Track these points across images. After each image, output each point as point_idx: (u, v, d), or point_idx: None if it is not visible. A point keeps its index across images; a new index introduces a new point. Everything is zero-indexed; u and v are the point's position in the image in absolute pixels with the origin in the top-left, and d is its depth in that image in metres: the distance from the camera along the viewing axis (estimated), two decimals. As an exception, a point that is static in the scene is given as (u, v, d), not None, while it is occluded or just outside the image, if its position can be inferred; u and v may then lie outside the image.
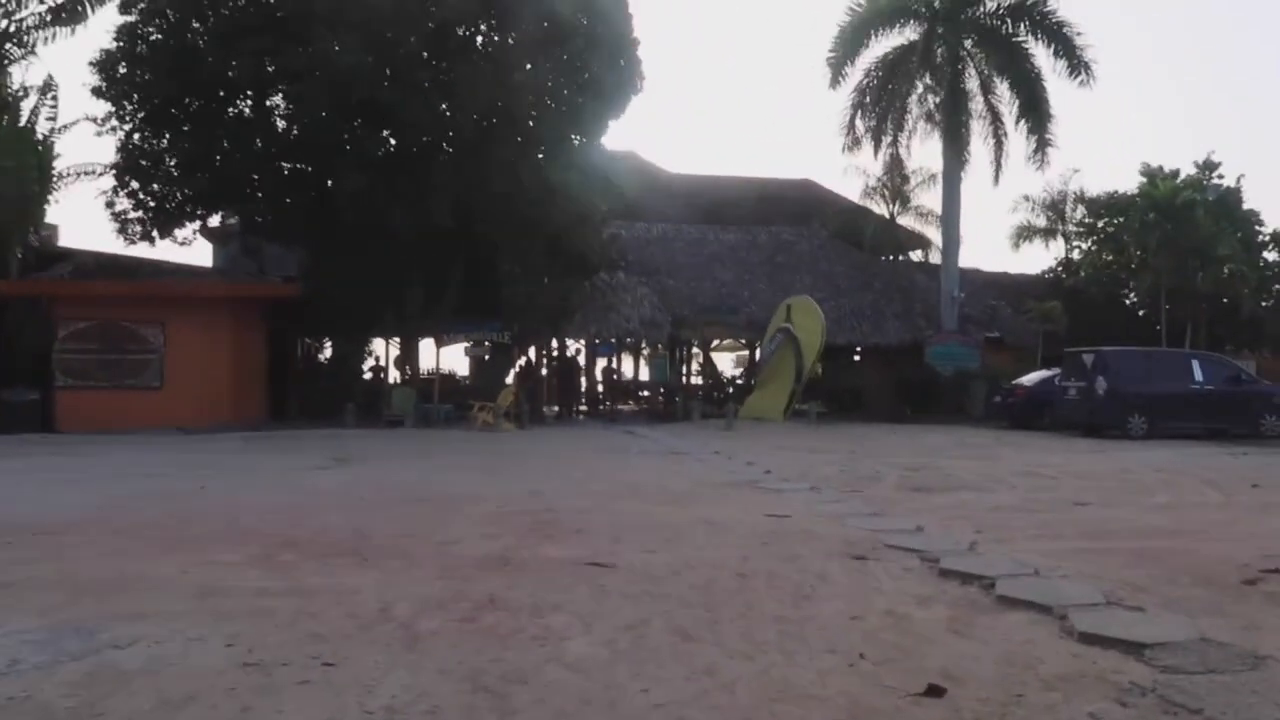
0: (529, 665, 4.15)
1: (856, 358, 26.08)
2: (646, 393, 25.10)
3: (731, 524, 7.65)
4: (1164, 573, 5.98)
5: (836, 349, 23.38)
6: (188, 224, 19.09)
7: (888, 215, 32.34)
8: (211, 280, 18.18)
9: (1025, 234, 29.71)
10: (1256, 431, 17.77)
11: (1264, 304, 24.79)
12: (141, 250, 18.76)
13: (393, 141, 18.97)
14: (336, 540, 6.93)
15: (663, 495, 9.33)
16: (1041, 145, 24.27)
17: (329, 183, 18.31)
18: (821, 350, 21.40)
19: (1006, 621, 4.90)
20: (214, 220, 19.44)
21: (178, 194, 18.17)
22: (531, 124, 19.55)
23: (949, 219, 25.14)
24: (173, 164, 18.20)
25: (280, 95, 18.49)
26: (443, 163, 18.71)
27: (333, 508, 8.46)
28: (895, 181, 31.55)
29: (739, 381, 24.95)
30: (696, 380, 26.20)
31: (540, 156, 19.78)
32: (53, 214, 18.82)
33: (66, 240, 21.33)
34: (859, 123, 25.86)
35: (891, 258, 31.34)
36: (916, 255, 33.50)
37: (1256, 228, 25.18)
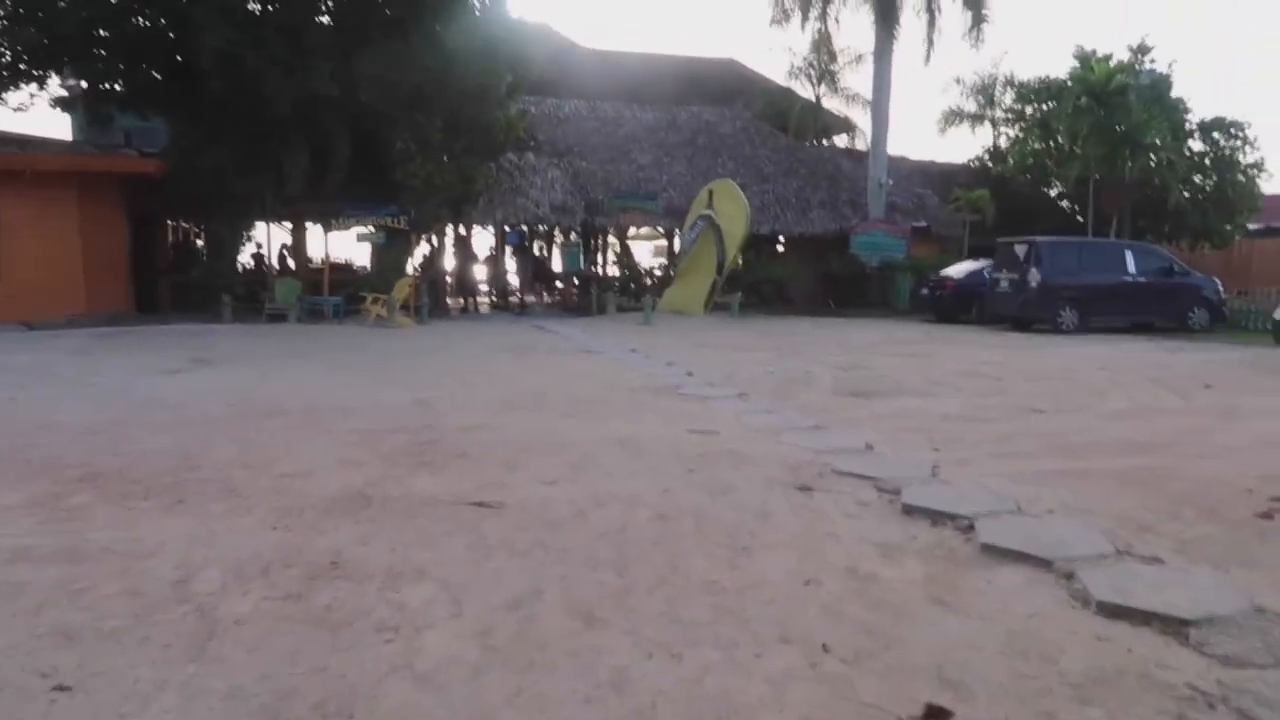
0: (364, 679, 2.91)
1: (780, 248, 24.94)
2: (559, 284, 23.52)
3: (650, 443, 6.43)
4: (1162, 504, 5.00)
5: (759, 239, 22.18)
6: (22, 85, 16.46)
7: (813, 98, 30.91)
8: (52, 153, 15.74)
9: (954, 119, 28.58)
10: (1184, 325, 17.33)
11: (1185, 195, 24.33)
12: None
13: (261, -8, 16.54)
14: (154, 472, 5.49)
15: (570, 405, 8.05)
16: (977, 21, 22.94)
17: (189, 40, 15.86)
18: (746, 239, 20.14)
19: (1000, 583, 3.82)
20: (55, 84, 16.76)
21: (5, 50, 15.53)
22: (425, -22, 17.28)
23: (878, 100, 23.81)
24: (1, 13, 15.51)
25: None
26: (321, 22, 16.42)
27: (167, 426, 6.95)
28: (822, 61, 30.01)
29: (657, 272, 23.62)
30: (611, 270, 24.75)
31: (434, 17, 17.58)
32: None
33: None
34: (787, -8, 23.99)
35: (816, 142, 30.03)
36: (842, 141, 32.32)
37: (1184, 116, 24.51)
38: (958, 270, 20.41)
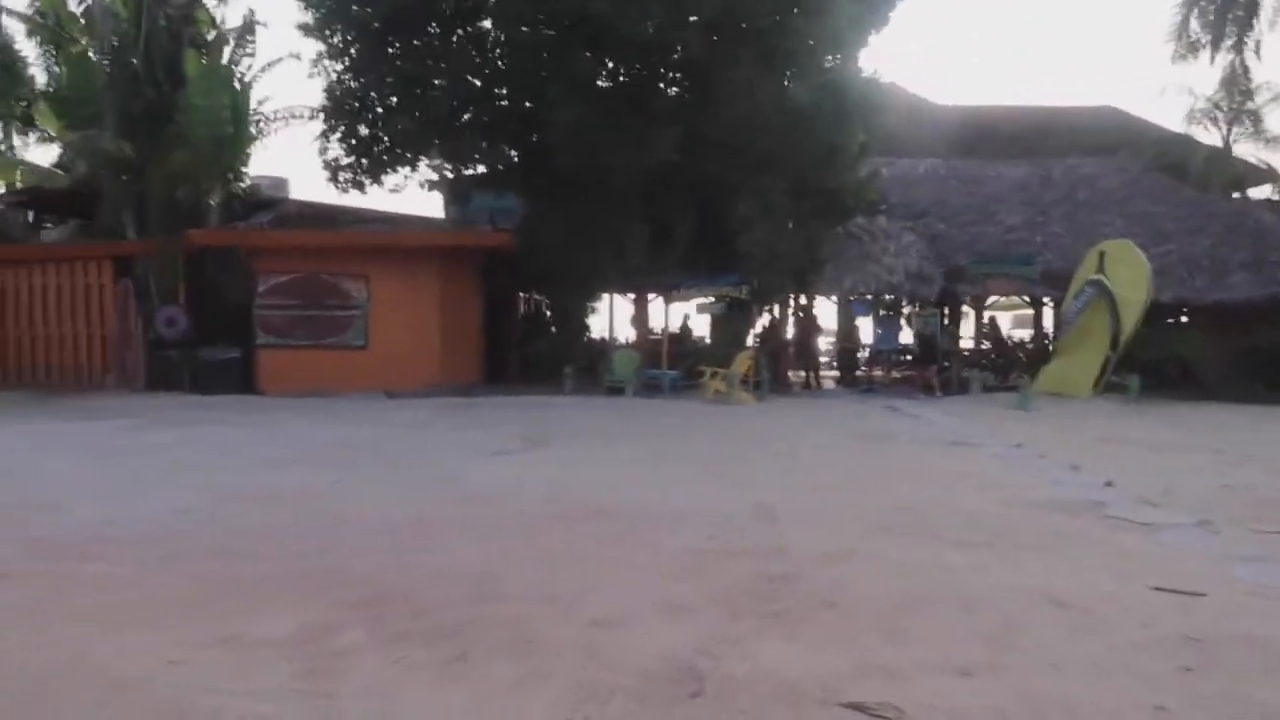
0: None
1: (1183, 319, 20.80)
2: (909, 358, 21.16)
3: (1098, 607, 4.37)
4: None
5: (1156, 308, 18.42)
6: (399, 169, 17.63)
7: (1221, 143, 26.16)
8: (416, 230, 16.57)
9: None
10: None
11: None
12: (354, 200, 17.54)
13: (609, 63, 16.39)
14: (443, 600, 4.41)
15: (960, 527, 6.08)
16: None
17: (541, 118, 16.07)
18: (1146, 309, 16.73)
19: None
20: (424, 166, 17.78)
21: (384, 137, 16.67)
22: (773, 36, 16.29)
23: (1324, 137, 19.21)
24: (380, 104, 16.70)
25: (489, 19, 16.41)
26: (666, 88, 15.94)
27: (476, 527, 5.98)
28: (1234, 99, 25.32)
29: (1028, 346, 20.57)
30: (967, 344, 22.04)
31: (784, 77, 16.53)
32: (272, 165, 17.93)
33: (296, 195, 20.67)
34: (1193, 22, 20.30)
35: (1227, 195, 25.23)
36: (1257, 192, 27.07)
37: None
38: None
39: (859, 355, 21.23)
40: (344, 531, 5.79)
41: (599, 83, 16.63)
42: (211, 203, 16.67)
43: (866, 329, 21.01)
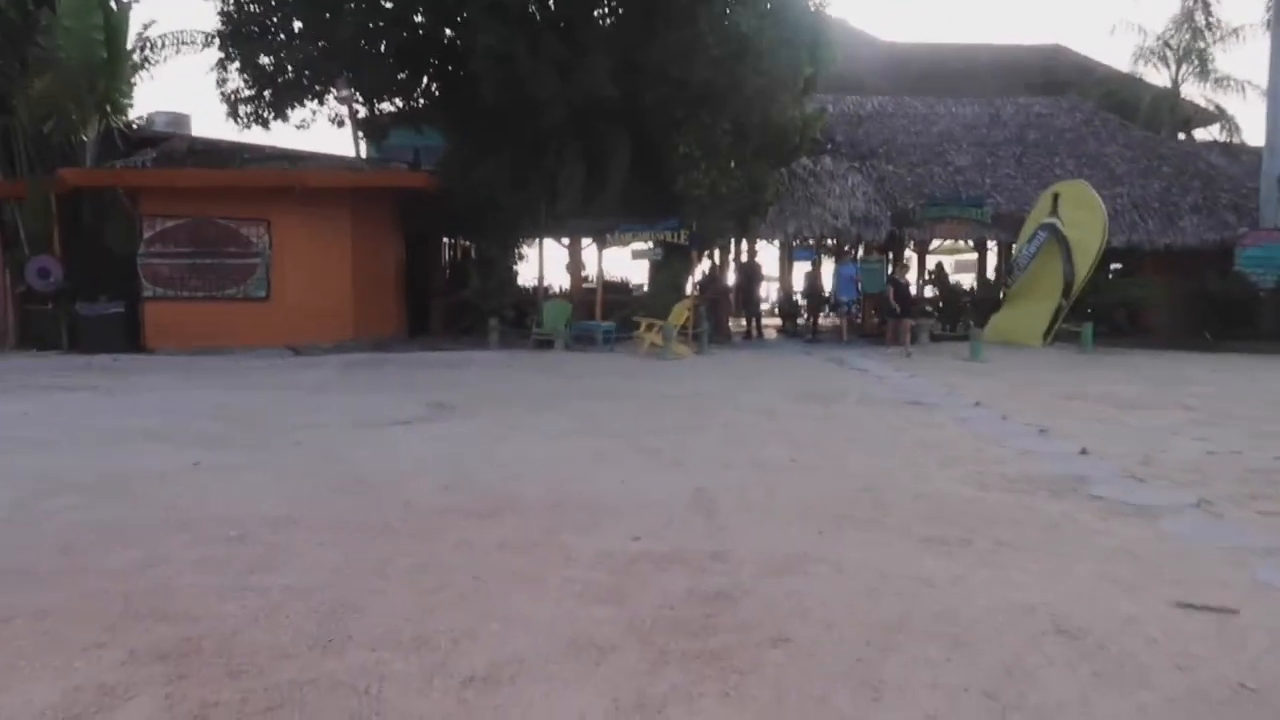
0: None
1: (1128, 264, 20.31)
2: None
3: (1117, 636, 3.48)
4: None
5: (1108, 253, 17.79)
6: (306, 102, 16.02)
7: (1169, 83, 25.63)
8: (323, 169, 15.06)
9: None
10: None
11: None
12: (258, 138, 15.93)
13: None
14: (275, 650, 3.32)
15: (929, 516, 5.15)
16: None
17: (463, 46, 14.61)
18: (1101, 254, 16.05)
19: None
20: (335, 100, 16.15)
21: (289, 66, 15.03)
22: (715, -43, 15.00)
23: (1278, 74, 18.59)
24: (283, 29, 15.04)
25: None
26: (599, 14, 14.60)
27: (348, 527, 4.88)
28: (1184, 38, 24.72)
29: (973, 293, 19.88)
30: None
31: (725, 3, 15.26)
32: (173, 101, 16.11)
33: (202, 134, 18.84)
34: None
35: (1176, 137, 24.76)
36: (1204, 134, 26.69)
37: None
38: None
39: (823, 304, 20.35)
40: (180, 538, 4.64)
41: (525, 7, 15.16)
42: (85, 139, 14.84)
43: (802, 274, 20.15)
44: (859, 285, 18.37)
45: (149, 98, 46.41)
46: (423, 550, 4.48)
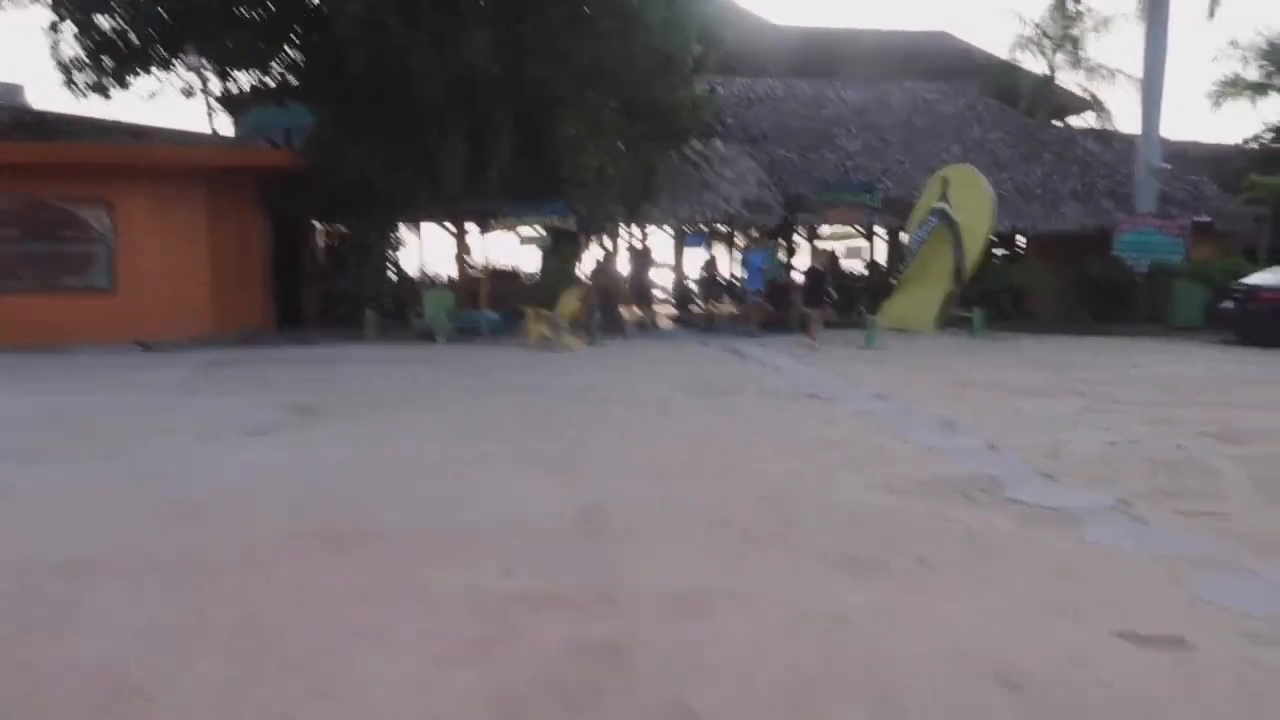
0: None
1: (1018, 249, 20.65)
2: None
3: (1066, 681, 3.03)
4: None
5: (992, 238, 17.96)
6: (151, 70, 14.59)
7: (1047, 71, 26.21)
8: (174, 145, 13.70)
9: (1231, 89, 23.26)
10: None
11: None
12: (98, 108, 14.45)
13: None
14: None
15: (841, 532, 4.65)
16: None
17: (328, 13, 13.51)
18: (989, 238, 16.12)
19: None
20: (184, 70, 14.73)
21: (130, 29, 13.60)
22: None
23: (1152, 66, 19.04)
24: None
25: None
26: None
27: (165, 570, 4.05)
28: (1059, 26, 25.28)
29: (863, 279, 19.83)
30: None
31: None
32: (13, 72, 14.35)
33: (41, 107, 17.04)
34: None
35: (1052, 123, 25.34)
36: (1077, 121, 27.46)
37: None
38: (1273, 279, 15.65)
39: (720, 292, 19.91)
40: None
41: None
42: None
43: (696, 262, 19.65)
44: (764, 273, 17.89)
45: None
46: (251, 599, 3.70)
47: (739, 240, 23.59)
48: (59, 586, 3.81)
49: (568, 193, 15.59)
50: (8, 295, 12.55)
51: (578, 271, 16.51)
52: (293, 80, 15.83)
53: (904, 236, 17.87)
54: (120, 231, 13.05)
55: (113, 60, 13.98)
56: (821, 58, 24.88)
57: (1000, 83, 25.96)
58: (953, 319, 16.06)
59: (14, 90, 16.66)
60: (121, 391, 9.08)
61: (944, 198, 16.20)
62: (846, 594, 3.78)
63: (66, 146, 12.76)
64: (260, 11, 14.25)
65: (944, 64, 26.79)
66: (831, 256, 20.27)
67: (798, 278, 19.29)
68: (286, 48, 15.20)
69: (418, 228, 17.42)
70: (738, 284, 19.16)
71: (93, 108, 13.68)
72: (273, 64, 15.29)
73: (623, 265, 19.17)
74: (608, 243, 18.70)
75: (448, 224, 17.61)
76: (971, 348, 14.15)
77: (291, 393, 9.07)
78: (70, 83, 14.11)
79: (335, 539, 4.47)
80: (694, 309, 20.39)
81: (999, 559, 4.26)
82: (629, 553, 4.27)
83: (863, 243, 25.89)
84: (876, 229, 21.40)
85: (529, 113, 15.56)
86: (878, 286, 18.69)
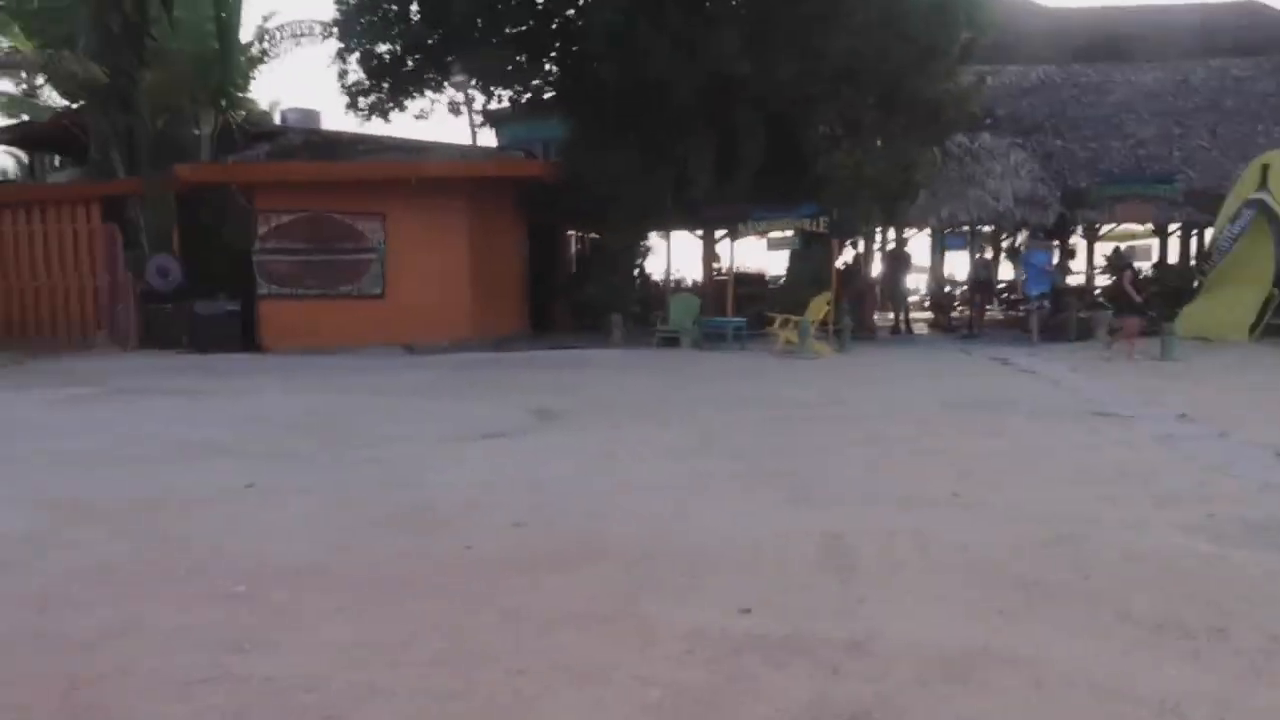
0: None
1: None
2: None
3: None
4: None
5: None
6: (426, 92, 15.48)
7: (1395, 36, 22.13)
8: (438, 159, 14.40)
9: None
10: None
11: None
12: (377, 128, 15.50)
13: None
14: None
15: (1153, 585, 3.74)
16: None
17: (582, 27, 13.70)
18: (1325, 235, 13.68)
19: None
20: (453, 88, 15.51)
21: (406, 55, 14.47)
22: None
23: None
24: (400, 17, 14.48)
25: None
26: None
27: (381, 584, 3.90)
28: None
29: (1159, 281, 17.52)
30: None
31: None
32: (305, 96, 15.85)
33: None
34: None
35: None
36: None
37: None
38: None
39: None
40: (173, 592, 3.76)
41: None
42: (196, 133, 14.72)
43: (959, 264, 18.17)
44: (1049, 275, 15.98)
45: (281, 93, 47.87)
46: (461, 622, 3.43)
47: (1004, 241, 21.71)
48: (280, 593, 3.73)
49: (820, 194, 14.89)
50: (294, 301, 13.69)
51: (828, 275, 15.73)
52: (549, 92, 16.25)
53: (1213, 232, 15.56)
54: (391, 241, 13.90)
55: (391, 83, 14.96)
56: (1104, 41, 22.42)
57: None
58: (1271, 327, 13.74)
59: (312, 115, 18.30)
60: (381, 393, 9.49)
61: (1264, 186, 13.90)
62: (1168, 671, 2.94)
63: (346, 165, 13.78)
64: (520, 28, 14.70)
65: (1256, 38, 23.35)
66: (1118, 255, 18.13)
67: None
68: (543, 61, 15.61)
69: (667, 234, 17.32)
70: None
71: (376, 128, 14.85)
72: (534, 80, 15.76)
73: (876, 268, 18.15)
74: (861, 245, 17.76)
75: (695, 229, 17.40)
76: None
77: (537, 395, 9.08)
78: (354, 106, 15.26)
79: (556, 557, 4.15)
80: (955, 314, 18.93)
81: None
82: (882, 596, 3.62)
83: (1151, 242, 23.15)
84: (1171, 225, 18.95)
85: (780, 113, 15.03)
86: (1173, 290, 16.39)
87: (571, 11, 14.96)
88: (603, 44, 13.37)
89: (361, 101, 15.23)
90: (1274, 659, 3.03)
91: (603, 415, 8.12)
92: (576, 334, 16.04)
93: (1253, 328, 13.67)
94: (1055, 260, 15.95)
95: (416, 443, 6.91)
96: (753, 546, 4.27)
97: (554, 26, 15.13)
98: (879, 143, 15.10)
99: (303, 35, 15.82)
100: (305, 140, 14.81)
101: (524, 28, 14.80)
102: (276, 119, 18.77)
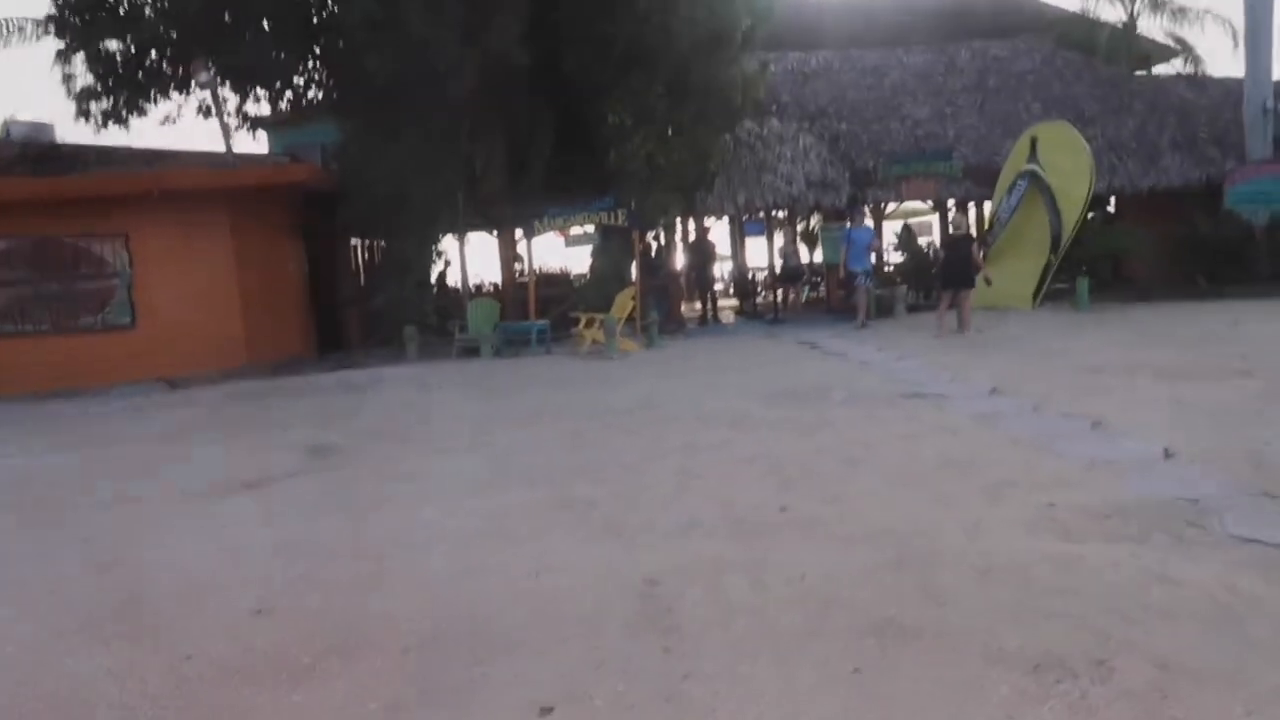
0: None
1: (1109, 209, 18.76)
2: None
3: None
4: None
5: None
6: (170, 94, 13.69)
7: (1125, 19, 24.07)
8: (185, 168, 12.63)
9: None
10: None
11: None
12: (116, 138, 13.61)
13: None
14: None
15: (1017, 609, 3.26)
16: None
17: (341, 15, 12.46)
18: (1088, 201, 14.37)
19: None
20: (199, 89, 13.74)
21: (143, 55, 12.68)
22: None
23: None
24: (131, 7, 12.69)
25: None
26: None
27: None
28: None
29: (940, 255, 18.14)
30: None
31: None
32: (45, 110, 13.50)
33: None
34: None
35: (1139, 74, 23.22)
36: (1164, 70, 25.21)
37: None
38: None
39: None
40: None
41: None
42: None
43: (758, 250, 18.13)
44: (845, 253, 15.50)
45: (11, 106, 42.70)
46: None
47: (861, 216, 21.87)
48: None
49: (616, 187, 14.32)
50: (23, 339, 11.70)
51: (631, 270, 15.21)
52: (315, 91, 14.84)
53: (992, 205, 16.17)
54: (138, 264, 12.12)
55: (126, 86, 13.10)
56: (873, 27, 23.18)
57: (1075, 38, 23.91)
58: (1051, 292, 14.37)
59: (44, 129, 15.84)
60: (115, 443, 8.01)
61: (1033, 158, 14.49)
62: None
63: (71, 180, 11.83)
64: (272, 21, 13.22)
65: (1009, 22, 24.81)
66: (906, 232, 18.67)
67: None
68: (307, 58, 14.18)
69: (461, 236, 16.25)
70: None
71: (117, 137, 12.89)
72: (295, 77, 14.28)
73: (679, 258, 17.84)
74: (662, 236, 17.38)
75: (490, 230, 16.43)
76: (1080, 324, 12.49)
77: (312, 428, 7.94)
78: (85, 113, 13.30)
79: (303, 657, 3.24)
80: (759, 299, 18.93)
81: (1272, 653, 2.82)
82: (714, 669, 2.93)
83: (928, 219, 24.22)
84: (949, 201, 19.70)
85: (569, 104, 14.35)
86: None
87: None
88: (366, 33, 12.19)
89: (94, 107, 13.27)
90: (1169, 700, 2.55)
91: (387, 445, 7.12)
92: (369, 351, 14.75)
93: (1036, 294, 14.23)
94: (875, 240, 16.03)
95: (150, 504, 5.70)
96: (556, 609, 3.50)
97: (312, 18, 13.71)
98: (671, 132, 14.69)
99: (9, 33, 13.54)
100: (20, 153, 12.70)
101: (276, 20, 13.29)
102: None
